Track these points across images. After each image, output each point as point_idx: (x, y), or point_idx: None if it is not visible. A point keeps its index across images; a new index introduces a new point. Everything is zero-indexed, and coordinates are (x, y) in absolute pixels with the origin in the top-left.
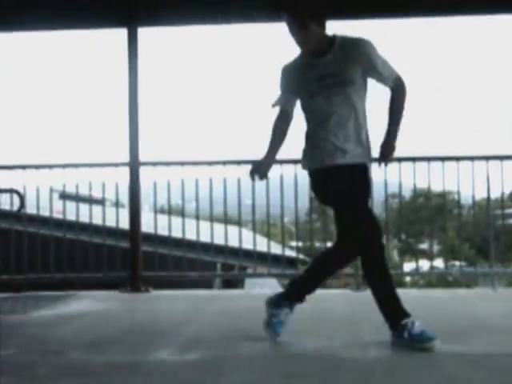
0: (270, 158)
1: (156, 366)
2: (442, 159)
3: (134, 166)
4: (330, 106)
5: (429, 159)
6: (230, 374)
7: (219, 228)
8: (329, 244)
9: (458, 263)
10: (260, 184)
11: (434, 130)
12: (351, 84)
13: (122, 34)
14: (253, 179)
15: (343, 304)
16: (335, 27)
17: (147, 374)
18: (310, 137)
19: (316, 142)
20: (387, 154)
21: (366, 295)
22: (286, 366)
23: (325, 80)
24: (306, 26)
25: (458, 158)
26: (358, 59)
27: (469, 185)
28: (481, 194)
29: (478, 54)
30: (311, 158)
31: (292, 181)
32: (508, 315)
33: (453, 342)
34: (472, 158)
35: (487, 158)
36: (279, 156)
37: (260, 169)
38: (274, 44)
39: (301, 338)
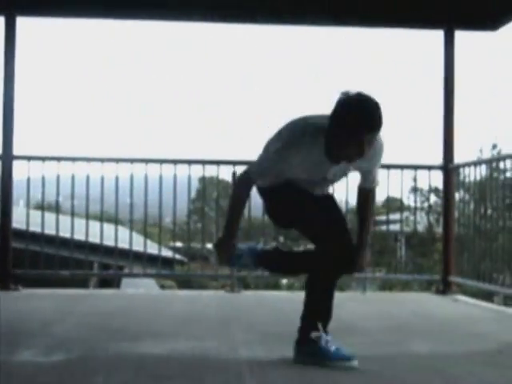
0: (234, 237)
1: (19, 367)
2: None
3: (7, 159)
4: (321, 189)
5: None
6: (94, 376)
7: (96, 226)
8: (208, 245)
9: None
10: (139, 183)
11: None
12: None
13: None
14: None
15: (217, 305)
16: None
17: (8, 375)
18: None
19: None
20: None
21: (240, 296)
22: (153, 367)
23: (336, 175)
24: None
25: None
26: (372, 160)
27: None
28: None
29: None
30: None
31: (171, 180)
32: (372, 317)
33: None
34: None
35: None
36: (159, 156)
37: (228, 251)
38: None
39: (172, 339)
